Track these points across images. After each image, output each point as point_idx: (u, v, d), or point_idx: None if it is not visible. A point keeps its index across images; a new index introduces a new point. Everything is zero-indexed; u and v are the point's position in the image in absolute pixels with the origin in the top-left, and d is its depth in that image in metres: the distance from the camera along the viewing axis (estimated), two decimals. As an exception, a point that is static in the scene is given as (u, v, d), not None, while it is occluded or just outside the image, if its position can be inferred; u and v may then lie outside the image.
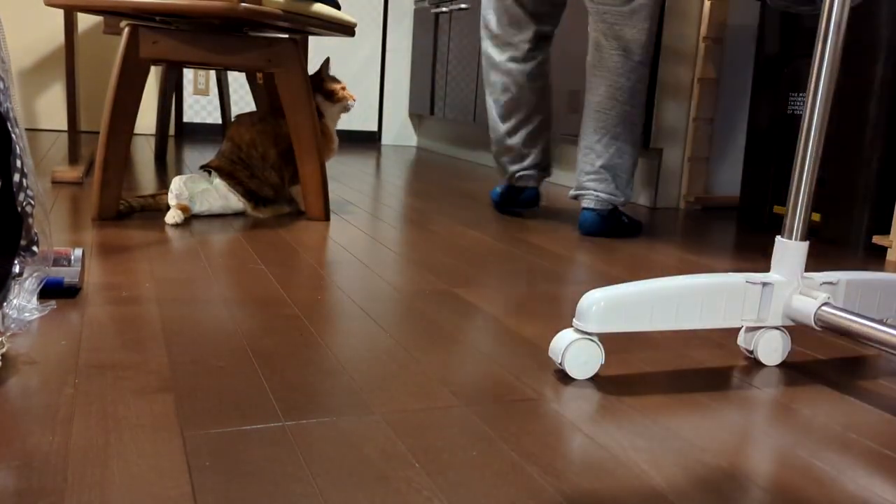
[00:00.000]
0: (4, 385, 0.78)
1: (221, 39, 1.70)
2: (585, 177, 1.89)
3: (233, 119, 1.95)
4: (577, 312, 0.91)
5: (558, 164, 2.99)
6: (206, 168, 1.84)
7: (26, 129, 3.68)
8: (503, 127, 2.09)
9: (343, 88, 1.93)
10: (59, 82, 3.70)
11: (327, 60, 1.93)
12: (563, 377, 0.91)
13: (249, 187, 1.82)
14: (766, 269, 1.03)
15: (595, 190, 1.87)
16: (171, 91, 2.96)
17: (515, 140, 2.08)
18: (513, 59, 2.04)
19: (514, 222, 2.01)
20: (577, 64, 2.67)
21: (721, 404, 0.86)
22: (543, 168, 2.12)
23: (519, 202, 2.16)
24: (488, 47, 2.08)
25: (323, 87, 1.92)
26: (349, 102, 1.93)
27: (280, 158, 1.86)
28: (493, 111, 2.11)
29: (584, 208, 1.90)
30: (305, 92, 1.77)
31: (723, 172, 2.56)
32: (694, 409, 0.85)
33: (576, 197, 1.92)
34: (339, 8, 1.88)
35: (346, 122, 4.20)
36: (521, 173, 2.11)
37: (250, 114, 1.90)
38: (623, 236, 1.91)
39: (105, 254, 1.38)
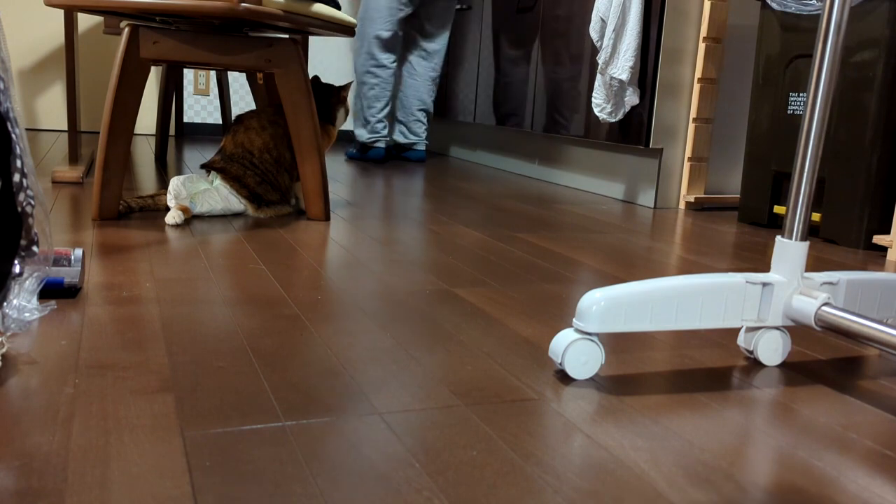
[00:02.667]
0: (4, 385, 0.78)
1: (221, 39, 1.70)
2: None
3: (233, 119, 1.94)
4: (577, 312, 0.91)
5: (560, 163, 2.99)
6: (208, 167, 1.83)
7: (26, 129, 3.68)
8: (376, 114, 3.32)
9: None
10: (59, 82, 3.70)
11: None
12: (563, 377, 0.91)
13: (256, 192, 1.81)
14: (766, 269, 1.03)
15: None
16: (172, 91, 2.97)
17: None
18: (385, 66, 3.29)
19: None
20: (580, 67, 2.67)
21: (721, 404, 0.86)
22: (386, 136, 3.38)
23: (368, 158, 3.39)
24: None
25: (345, 102, 2.06)
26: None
27: (294, 160, 1.86)
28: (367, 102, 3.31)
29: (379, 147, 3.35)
30: (306, 92, 1.77)
31: (723, 172, 2.56)
32: (694, 409, 0.85)
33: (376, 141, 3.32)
34: (339, 8, 1.88)
35: (347, 122, 4.19)
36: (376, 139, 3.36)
37: (256, 116, 1.87)
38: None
39: (105, 254, 1.38)
